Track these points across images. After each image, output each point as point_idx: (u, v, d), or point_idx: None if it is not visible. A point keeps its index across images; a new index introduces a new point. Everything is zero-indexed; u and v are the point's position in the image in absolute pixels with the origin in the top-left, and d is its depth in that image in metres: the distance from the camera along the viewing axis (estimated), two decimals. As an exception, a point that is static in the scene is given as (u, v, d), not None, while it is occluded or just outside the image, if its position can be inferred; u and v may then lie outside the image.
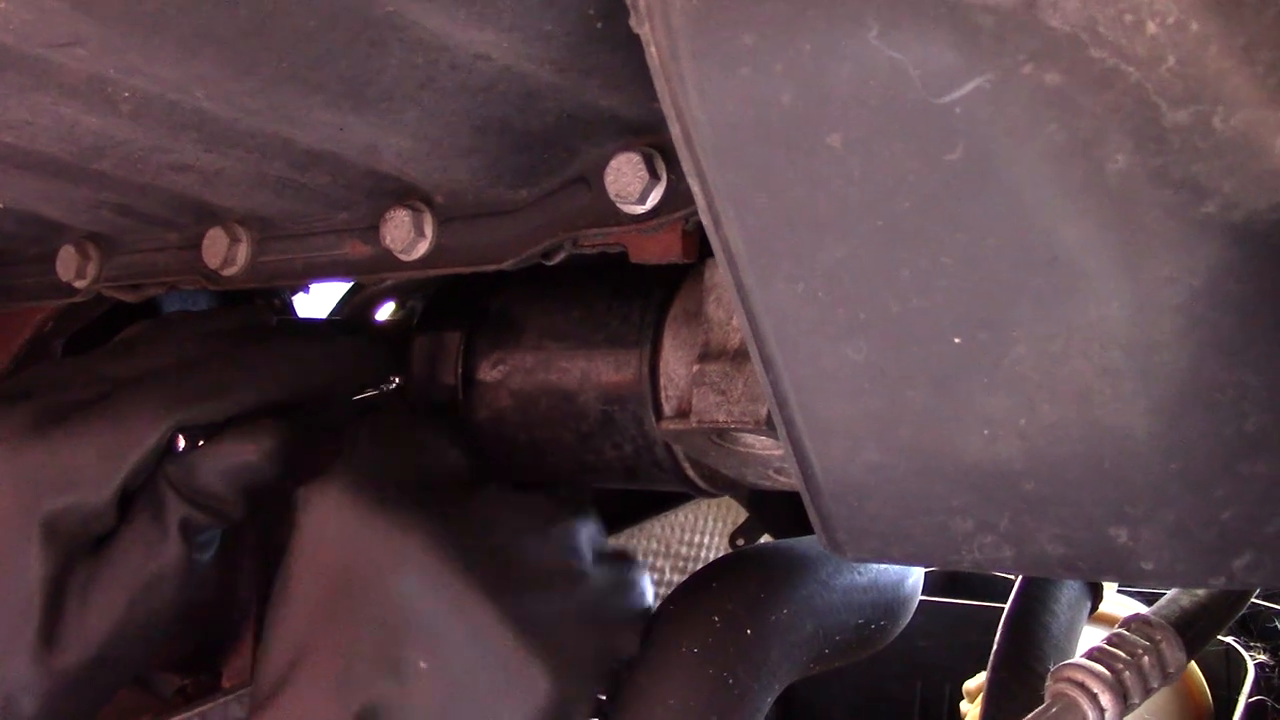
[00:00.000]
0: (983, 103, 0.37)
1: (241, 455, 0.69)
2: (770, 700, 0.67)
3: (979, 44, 0.36)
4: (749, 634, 0.66)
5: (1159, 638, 0.60)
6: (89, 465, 0.67)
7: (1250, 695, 1.29)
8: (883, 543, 0.50)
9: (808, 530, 0.54)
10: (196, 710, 0.84)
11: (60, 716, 0.66)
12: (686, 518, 1.00)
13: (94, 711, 0.69)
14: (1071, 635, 0.77)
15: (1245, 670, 1.35)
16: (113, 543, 0.68)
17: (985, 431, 0.44)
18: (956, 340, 0.43)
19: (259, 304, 0.99)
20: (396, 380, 0.77)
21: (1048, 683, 0.58)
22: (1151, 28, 0.34)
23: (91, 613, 0.67)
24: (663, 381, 0.67)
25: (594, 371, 0.69)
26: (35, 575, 0.65)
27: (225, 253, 0.75)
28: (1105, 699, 0.56)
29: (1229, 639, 1.40)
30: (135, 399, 0.69)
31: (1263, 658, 1.40)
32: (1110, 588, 0.93)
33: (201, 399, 0.69)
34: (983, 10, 0.36)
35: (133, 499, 0.69)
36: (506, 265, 0.65)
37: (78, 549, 0.67)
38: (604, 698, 0.65)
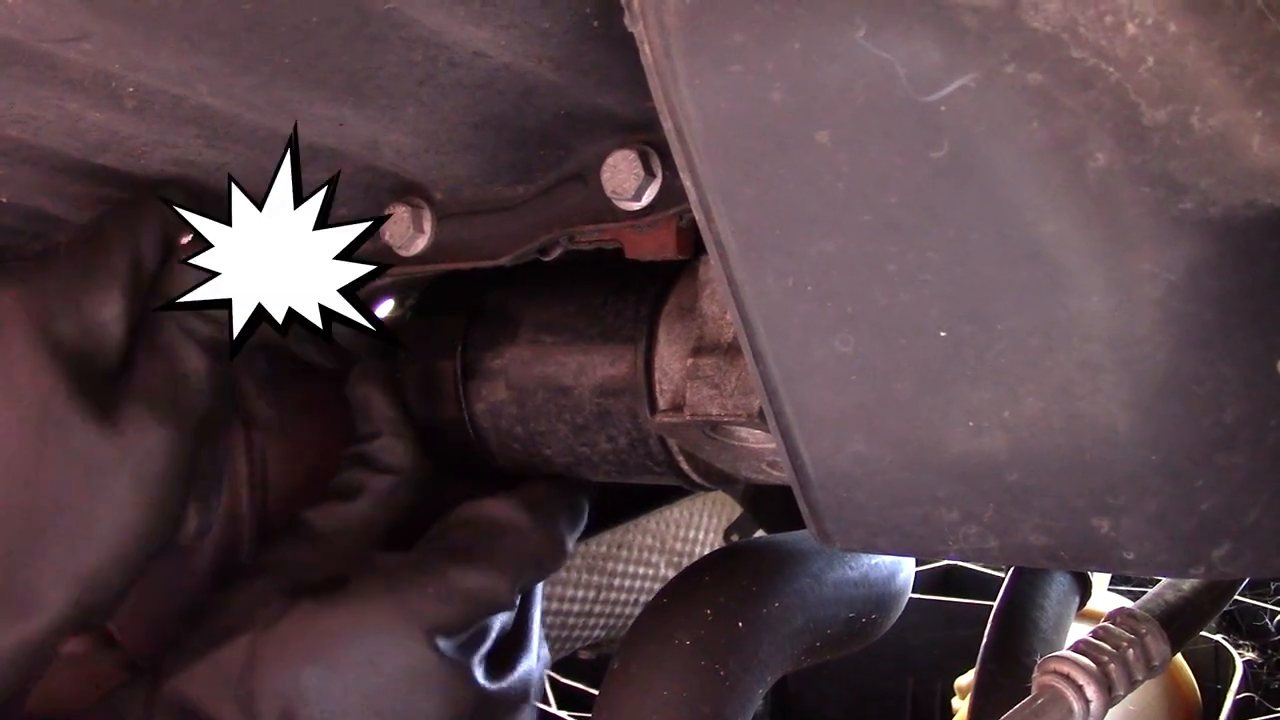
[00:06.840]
0: (967, 101, 0.38)
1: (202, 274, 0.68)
2: (761, 691, 0.68)
3: (963, 44, 0.37)
4: (740, 626, 0.66)
5: (1144, 631, 0.61)
6: (83, 281, 0.67)
7: (1238, 692, 1.31)
8: (870, 533, 0.51)
9: (802, 526, 0.55)
10: None
11: None
12: (682, 513, 1.00)
13: None
14: (1060, 629, 0.78)
15: (1234, 667, 1.36)
16: (132, 369, 0.68)
17: (970, 423, 0.45)
18: (942, 334, 0.44)
19: None
20: None
21: (1034, 675, 0.59)
22: (1131, 29, 0.35)
23: (144, 421, 0.66)
24: (657, 375, 0.68)
25: (589, 365, 0.70)
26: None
27: (226, 247, 0.76)
28: (1090, 690, 0.56)
29: (1218, 636, 1.41)
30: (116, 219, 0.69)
31: (1251, 655, 1.42)
32: (1100, 585, 0.93)
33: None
34: (967, 11, 0.37)
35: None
36: (504, 261, 0.66)
37: (97, 373, 0.67)
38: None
